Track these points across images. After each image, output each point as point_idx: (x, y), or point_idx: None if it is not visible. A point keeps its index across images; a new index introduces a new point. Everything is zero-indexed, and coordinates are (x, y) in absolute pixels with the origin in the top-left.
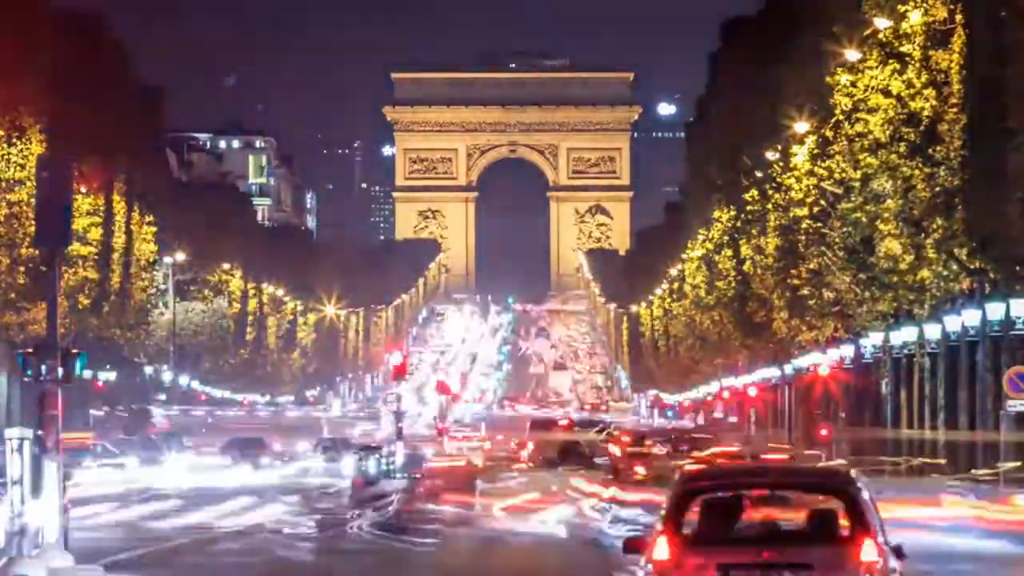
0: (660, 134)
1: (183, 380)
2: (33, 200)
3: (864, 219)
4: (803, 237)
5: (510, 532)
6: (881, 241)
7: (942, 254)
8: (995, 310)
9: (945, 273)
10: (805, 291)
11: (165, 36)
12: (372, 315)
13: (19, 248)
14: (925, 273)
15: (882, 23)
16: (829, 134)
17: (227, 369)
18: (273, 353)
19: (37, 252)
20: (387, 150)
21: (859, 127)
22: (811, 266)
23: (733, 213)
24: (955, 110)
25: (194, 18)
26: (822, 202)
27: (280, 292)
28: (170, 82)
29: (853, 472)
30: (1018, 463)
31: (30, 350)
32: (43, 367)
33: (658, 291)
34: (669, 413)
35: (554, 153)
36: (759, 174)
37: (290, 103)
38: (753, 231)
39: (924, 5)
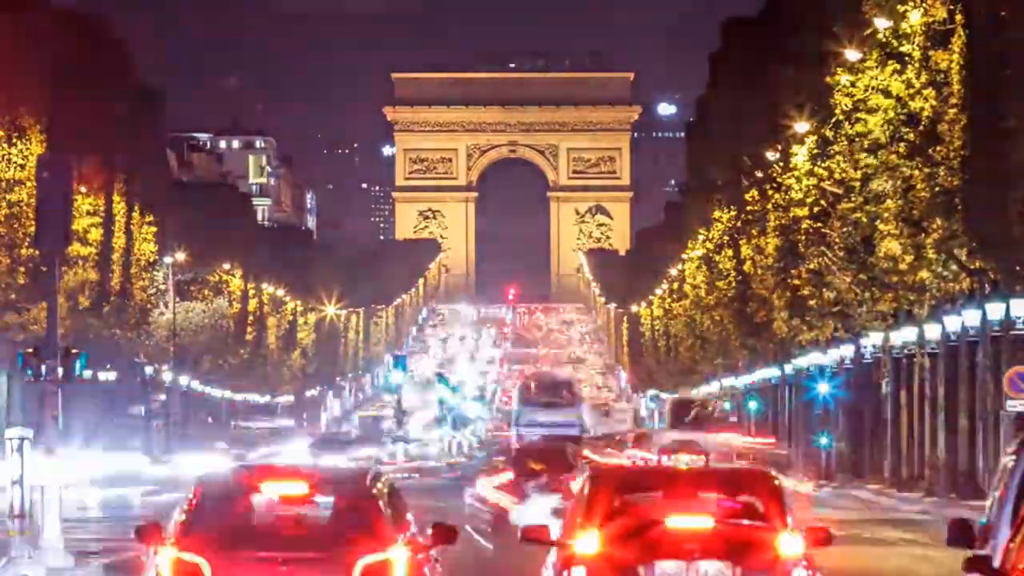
0: (660, 134)
1: (183, 380)
2: (33, 200)
3: (864, 219)
4: (803, 237)
5: None
6: (881, 241)
7: (942, 254)
8: (995, 310)
9: (945, 273)
10: (805, 291)
11: (165, 36)
12: (372, 315)
13: (19, 248)
14: (925, 273)
15: (882, 23)
16: (829, 134)
17: (227, 369)
18: (273, 353)
19: (37, 252)
20: (387, 150)
21: (859, 127)
22: (811, 266)
23: (733, 213)
24: (955, 110)
25: (194, 18)
26: (822, 202)
27: (280, 292)
28: (170, 82)
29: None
30: None
31: (30, 350)
32: (43, 367)
33: (658, 291)
34: None
35: (554, 153)
36: (759, 174)
37: (290, 103)
38: (753, 231)
39: (924, 5)
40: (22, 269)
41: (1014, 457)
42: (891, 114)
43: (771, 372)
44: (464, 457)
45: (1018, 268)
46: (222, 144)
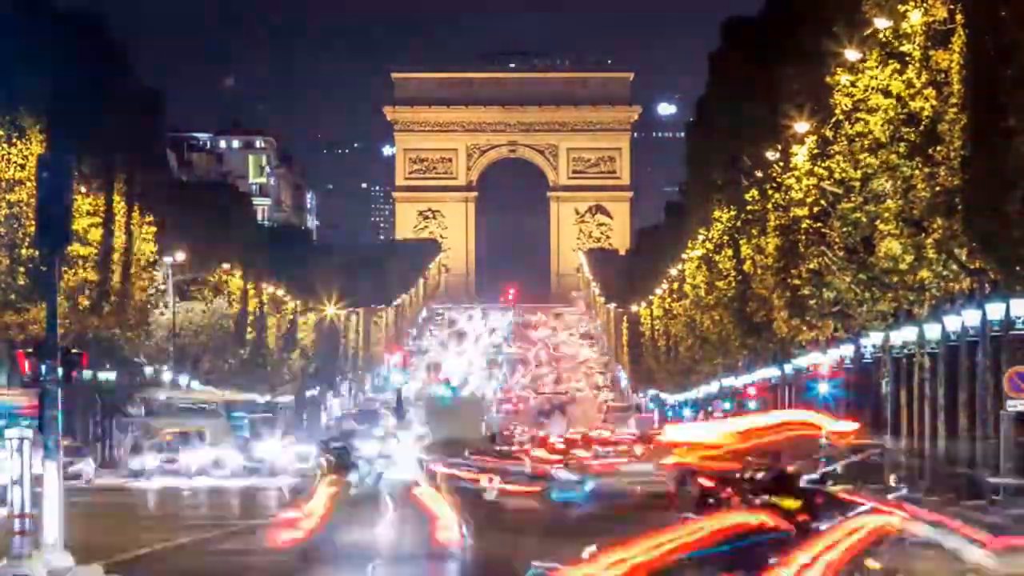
0: (660, 134)
1: (183, 380)
2: (33, 200)
3: (864, 219)
4: (803, 237)
5: None
6: (881, 241)
7: (942, 254)
8: (995, 310)
9: (945, 273)
10: (805, 291)
11: (165, 36)
12: (372, 315)
13: (19, 248)
14: (925, 273)
15: (882, 23)
16: (829, 134)
17: (227, 369)
18: (273, 353)
19: (37, 252)
20: (387, 150)
21: (859, 127)
22: (811, 266)
23: (733, 213)
24: (955, 110)
25: (194, 18)
26: (822, 202)
27: (280, 292)
28: (170, 82)
29: None
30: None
31: (30, 350)
32: (43, 367)
33: (658, 291)
34: (669, 413)
35: (554, 153)
36: (759, 174)
37: (290, 103)
38: (753, 231)
39: (924, 5)
40: (22, 269)
41: None
42: (891, 114)
43: (771, 372)
44: None
45: (1018, 268)
46: (222, 144)
